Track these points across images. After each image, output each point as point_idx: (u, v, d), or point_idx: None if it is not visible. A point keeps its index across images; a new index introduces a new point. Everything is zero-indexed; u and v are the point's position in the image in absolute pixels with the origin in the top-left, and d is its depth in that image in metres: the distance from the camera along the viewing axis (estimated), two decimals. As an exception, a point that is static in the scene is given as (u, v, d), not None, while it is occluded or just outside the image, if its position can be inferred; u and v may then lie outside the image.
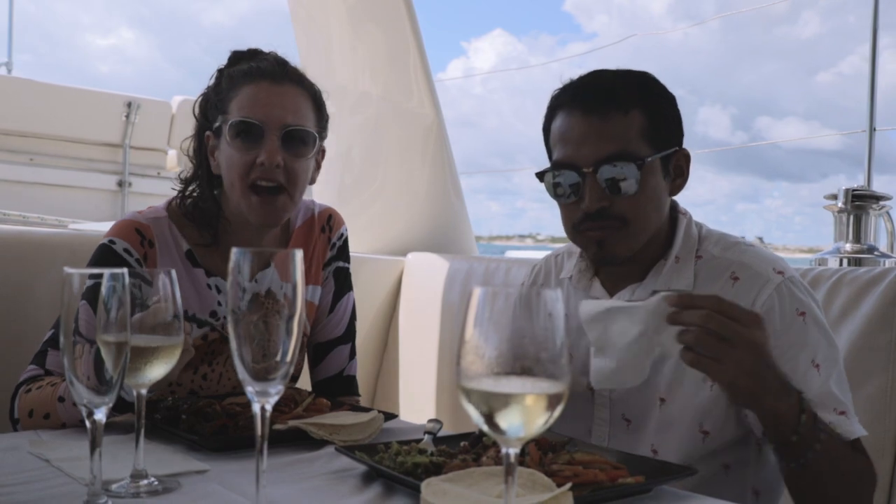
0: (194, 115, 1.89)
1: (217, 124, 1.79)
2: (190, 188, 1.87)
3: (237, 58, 1.87)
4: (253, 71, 1.79)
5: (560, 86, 1.61)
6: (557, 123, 1.58)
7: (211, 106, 1.84)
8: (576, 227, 1.57)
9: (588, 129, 1.52)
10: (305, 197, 1.91)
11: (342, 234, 2.03)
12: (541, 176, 1.59)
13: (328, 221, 2.01)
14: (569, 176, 1.53)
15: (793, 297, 1.49)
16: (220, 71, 1.87)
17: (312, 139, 1.79)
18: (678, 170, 1.61)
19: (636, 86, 1.57)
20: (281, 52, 1.87)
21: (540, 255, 1.95)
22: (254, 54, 1.86)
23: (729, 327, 1.23)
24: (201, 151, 1.86)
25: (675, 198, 1.65)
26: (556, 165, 1.56)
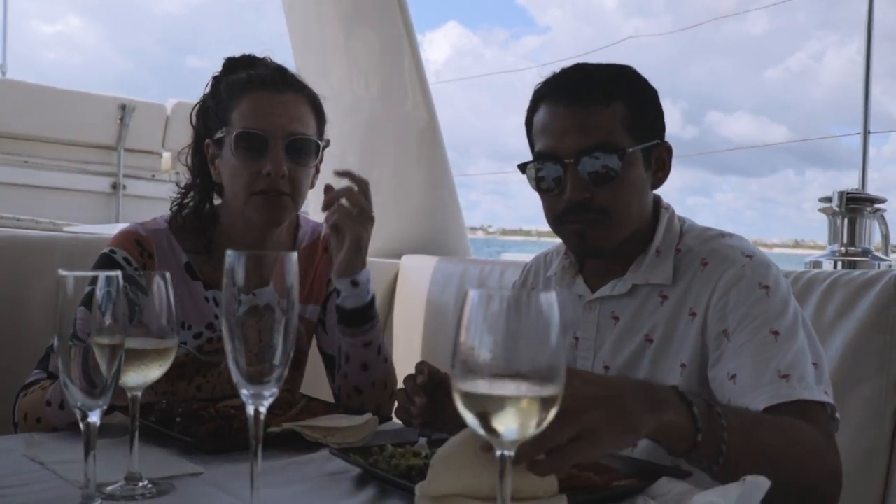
0: (191, 123, 1.89)
1: (219, 135, 1.79)
2: (188, 197, 1.87)
3: (233, 65, 1.86)
4: (253, 79, 1.79)
5: (542, 79, 1.61)
6: (540, 115, 1.58)
7: (210, 115, 1.83)
8: (558, 219, 1.57)
9: (570, 119, 1.52)
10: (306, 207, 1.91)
11: None
12: (523, 168, 1.59)
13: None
14: (551, 167, 1.54)
15: (756, 273, 1.48)
16: (215, 78, 1.87)
17: (315, 147, 1.81)
18: (660, 162, 1.61)
19: (618, 78, 1.57)
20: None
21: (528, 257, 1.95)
22: (250, 61, 1.86)
23: None
24: (200, 160, 1.86)
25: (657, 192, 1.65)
26: (539, 157, 1.56)
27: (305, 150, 1.79)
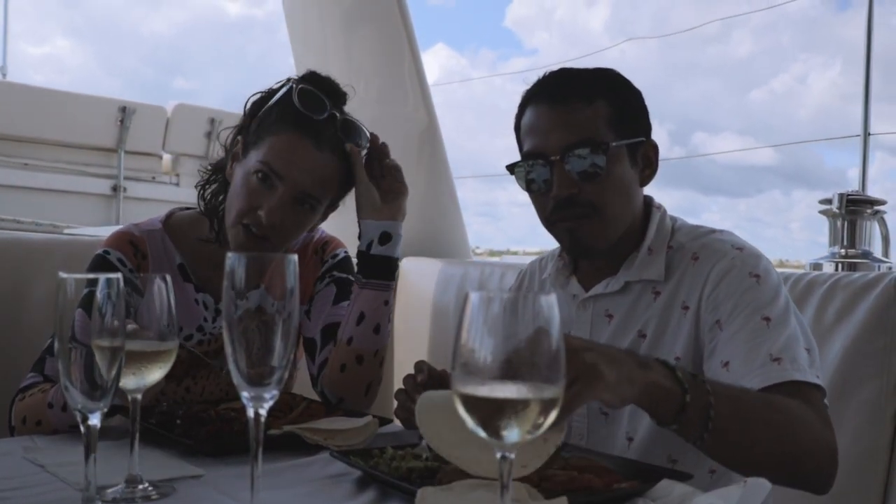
0: (245, 108, 1.81)
1: (249, 148, 1.75)
2: (217, 175, 1.85)
3: (311, 81, 1.77)
4: (301, 120, 1.71)
5: (527, 85, 1.63)
6: (526, 118, 1.61)
7: (262, 116, 1.77)
8: (549, 220, 1.59)
9: (554, 118, 1.55)
10: None
11: (336, 254, 1.97)
12: (511, 168, 1.61)
13: (322, 246, 1.98)
14: (538, 167, 1.56)
15: (746, 263, 1.50)
16: (292, 82, 1.76)
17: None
18: (646, 160, 1.63)
19: (600, 78, 1.60)
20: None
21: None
22: (327, 93, 1.77)
23: None
24: (231, 151, 1.82)
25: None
26: (526, 156, 1.59)
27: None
